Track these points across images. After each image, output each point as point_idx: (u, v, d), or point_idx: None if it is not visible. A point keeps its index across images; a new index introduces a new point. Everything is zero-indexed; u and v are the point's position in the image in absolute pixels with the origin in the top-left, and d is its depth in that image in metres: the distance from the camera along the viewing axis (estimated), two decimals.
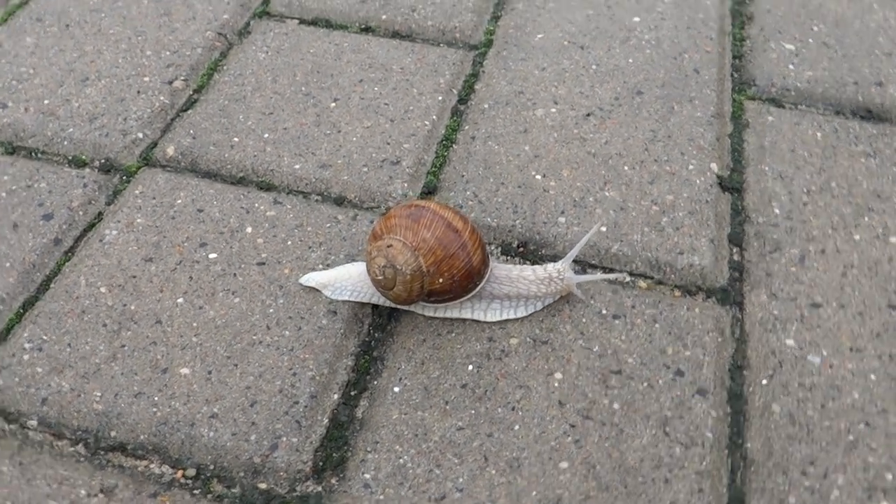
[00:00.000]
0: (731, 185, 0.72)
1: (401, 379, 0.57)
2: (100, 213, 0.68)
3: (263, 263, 0.64)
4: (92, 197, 0.70)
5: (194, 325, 0.60)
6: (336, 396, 0.56)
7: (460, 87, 0.82)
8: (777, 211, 0.70)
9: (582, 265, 0.65)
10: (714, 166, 0.73)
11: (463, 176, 0.72)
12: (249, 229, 0.67)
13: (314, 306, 0.61)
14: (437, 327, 0.60)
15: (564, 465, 0.52)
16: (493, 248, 0.67)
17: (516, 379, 0.57)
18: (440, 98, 0.80)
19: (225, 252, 0.65)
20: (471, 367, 0.57)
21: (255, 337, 0.59)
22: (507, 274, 0.61)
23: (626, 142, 0.75)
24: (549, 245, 0.66)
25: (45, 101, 0.78)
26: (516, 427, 0.54)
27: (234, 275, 0.63)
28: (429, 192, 0.71)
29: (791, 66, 0.85)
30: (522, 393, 0.56)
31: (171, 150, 0.74)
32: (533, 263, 0.65)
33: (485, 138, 0.76)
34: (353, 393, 0.56)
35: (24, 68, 0.82)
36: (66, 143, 0.74)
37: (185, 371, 0.57)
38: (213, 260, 0.64)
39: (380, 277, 0.57)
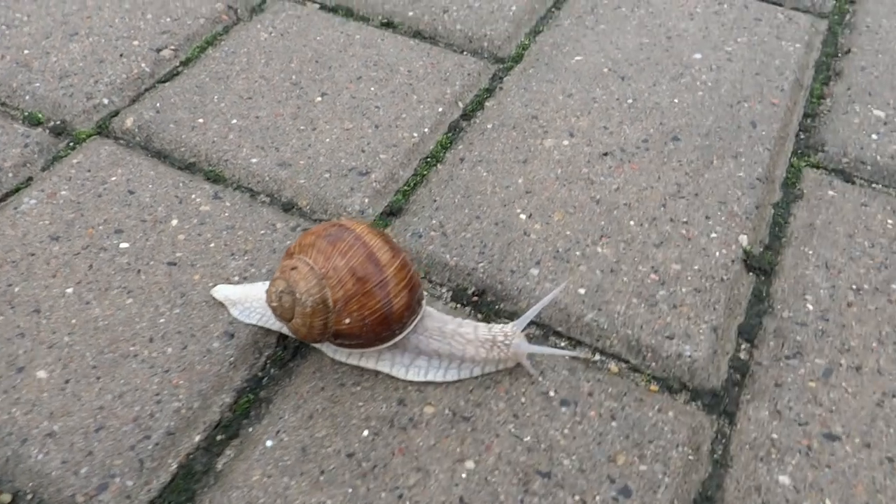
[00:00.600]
0: (760, 265, 0.58)
1: (279, 432, 0.47)
2: (29, 179, 0.62)
3: (174, 264, 0.55)
4: (29, 159, 0.63)
5: (73, 321, 0.51)
6: (198, 438, 0.46)
7: (468, 102, 0.71)
8: (810, 307, 0.55)
9: (544, 330, 0.53)
10: (744, 239, 0.60)
11: (435, 201, 0.61)
12: (175, 222, 0.58)
13: (211, 324, 0.52)
14: (344, 376, 0.50)
15: None
16: (443, 290, 0.55)
17: (417, 459, 0.46)
18: (440, 110, 0.70)
19: (138, 243, 0.57)
20: (366, 433, 0.47)
21: (132, 348, 0.50)
22: (442, 327, 0.50)
23: (641, 192, 0.63)
24: (510, 299, 0.55)
25: (25, 52, 0.73)
26: None
27: (139, 271, 0.55)
28: (391, 212, 0.60)
29: (875, 136, 0.70)
30: (418, 478, 0.45)
31: (129, 122, 0.67)
32: (487, 318, 0.54)
33: (475, 162, 0.65)
34: (219, 437, 0.47)
35: (20, 15, 0.77)
36: (27, 97, 0.69)
37: (41, 374, 0.49)
38: (122, 250, 0.56)
39: (275, 304, 0.47)
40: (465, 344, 0.49)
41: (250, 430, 0.47)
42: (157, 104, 0.68)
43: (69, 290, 0.53)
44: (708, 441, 0.48)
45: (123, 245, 0.56)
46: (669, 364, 0.51)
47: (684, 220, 0.61)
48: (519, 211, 0.61)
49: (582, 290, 0.55)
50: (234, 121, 0.67)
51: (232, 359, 0.50)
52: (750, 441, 0.48)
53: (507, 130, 0.68)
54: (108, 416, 0.47)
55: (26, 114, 0.67)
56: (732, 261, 0.58)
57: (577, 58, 0.77)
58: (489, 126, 0.69)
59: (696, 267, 0.57)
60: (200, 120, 0.67)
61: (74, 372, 0.49)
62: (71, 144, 0.65)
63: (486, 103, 0.71)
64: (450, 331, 0.50)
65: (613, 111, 0.71)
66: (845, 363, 0.52)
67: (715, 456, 0.47)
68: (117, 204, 0.59)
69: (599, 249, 0.58)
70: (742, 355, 0.53)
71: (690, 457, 0.47)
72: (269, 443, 0.46)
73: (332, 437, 0.46)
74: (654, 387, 0.50)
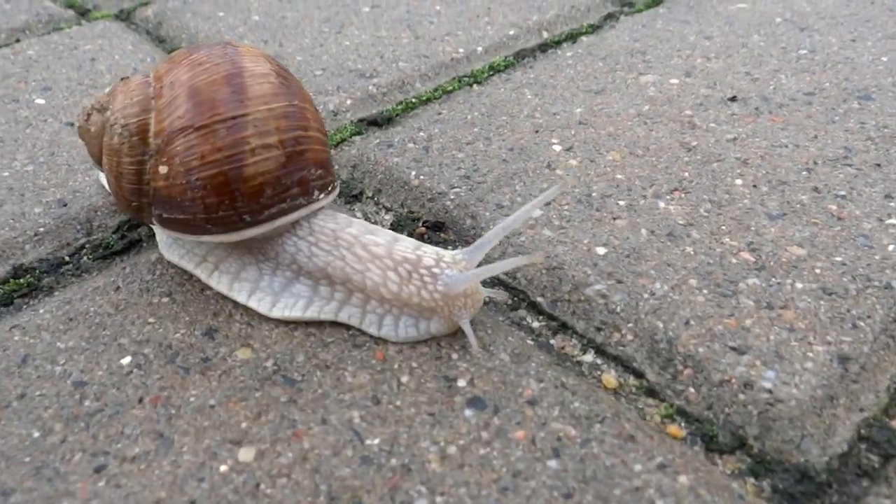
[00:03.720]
0: None
1: (14, 327, 0.29)
2: (17, 41, 0.54)
3: (73, 125, 0.42)
4: (31, 27, 0.55)
5: None
6: None
7: (559, 33, 0.51)
8: None
9: (511, 295, 0.31)
10: None
11: (440, 114, 0.42)
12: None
13: (55, 187, 0.37)
14: (162, 282, 0.31)
15: None
16: (386, 216, 0.35)
17: (170, 423, 0.25)
18: (512, 33, 0.51)
19: (56, 101, 0.45)
20: (127, 361, 0.27)
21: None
22: (338, 230, 0.29)
23: (774, 149, 0.38)
24: (476, 238, 0.33)
25: None
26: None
27: (44, 123, 0.42)
28: (374, 122, 0.42)
29: None
30: (150, 450, 0.24)
31: (149, 11, 0.57)
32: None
33: (523, 83, 0.44)
34: None
35: None
36: None
37: None
38: (36, 105, 0.44)
39: (80, 125, 0.31)
40: (367, 261, 0.28)
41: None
42: None
43: None
44: None
45: (39, 101, 0.44)
46: (723, 396, 0.26)
47: (841, 193, 0.34)
48: (555, 141, 0.39)
49: (601, 251, 0.31)
50: (256, 17, 0.54)
51: (42, 230, 0.34)
52: None
53: (592, 60, 0.47)
54: None
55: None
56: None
57: (741, 5, 0.54)
58: (570, 54, 0.48)
59: (837, 258, 0.31)
60: (221, 13, 0.55)
61: None
62: (79, 20, 0.56)
63: (583, 38, 0.51)
64: (349, 237, 0.29)
65: (769, 58, 0.46)
66: None
67: None
68: (70, 67, 0.48)
69: (663, 204, 0.34)
70: (863, 460, 0.25)
71: None
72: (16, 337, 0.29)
73: (75, 353, 0.28)
74: (674, 428, 0.25)
